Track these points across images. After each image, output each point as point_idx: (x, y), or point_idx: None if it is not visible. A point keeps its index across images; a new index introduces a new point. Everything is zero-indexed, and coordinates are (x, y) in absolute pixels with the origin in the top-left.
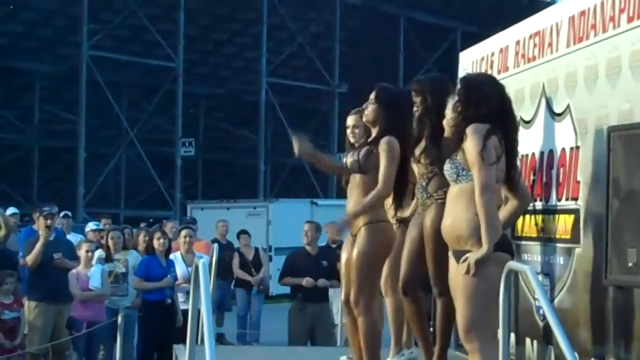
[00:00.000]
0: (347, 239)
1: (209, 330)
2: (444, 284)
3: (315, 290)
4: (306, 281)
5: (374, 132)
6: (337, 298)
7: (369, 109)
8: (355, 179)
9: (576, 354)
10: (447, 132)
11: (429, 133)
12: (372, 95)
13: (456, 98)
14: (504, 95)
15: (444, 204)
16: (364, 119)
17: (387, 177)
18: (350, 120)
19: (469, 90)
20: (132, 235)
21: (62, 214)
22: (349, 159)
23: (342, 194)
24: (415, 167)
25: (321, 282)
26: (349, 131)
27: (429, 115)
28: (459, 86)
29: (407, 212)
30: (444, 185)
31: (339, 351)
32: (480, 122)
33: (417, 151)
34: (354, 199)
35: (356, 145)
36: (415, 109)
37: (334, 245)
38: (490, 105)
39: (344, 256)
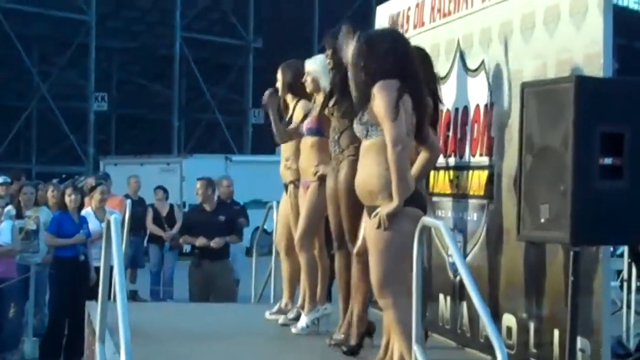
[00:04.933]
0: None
1: (120, 286)
2: (350, 237)
3: (210, 248)
4: (199, 241)
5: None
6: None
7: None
8: (312, 140)
9: (488, 309)
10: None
11: (337, 85)
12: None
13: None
14: (406, 48)
15: (355, 160)
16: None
17: None
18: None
19: (369, 46)
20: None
21: None
22: (358, 128)
23: (256, 150)
24: (332, 121)
25: (215, 242)
26: (309, 79)
27: (338, 68)
28: (358, 42)
29: (327, 169)
30: (355, 140)
31: (257, 308)
32: (385, 78)
33: (330, 104)
34: (313, 158)
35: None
36: (327, 62)
37: (228, 201)
38: (391, 59)
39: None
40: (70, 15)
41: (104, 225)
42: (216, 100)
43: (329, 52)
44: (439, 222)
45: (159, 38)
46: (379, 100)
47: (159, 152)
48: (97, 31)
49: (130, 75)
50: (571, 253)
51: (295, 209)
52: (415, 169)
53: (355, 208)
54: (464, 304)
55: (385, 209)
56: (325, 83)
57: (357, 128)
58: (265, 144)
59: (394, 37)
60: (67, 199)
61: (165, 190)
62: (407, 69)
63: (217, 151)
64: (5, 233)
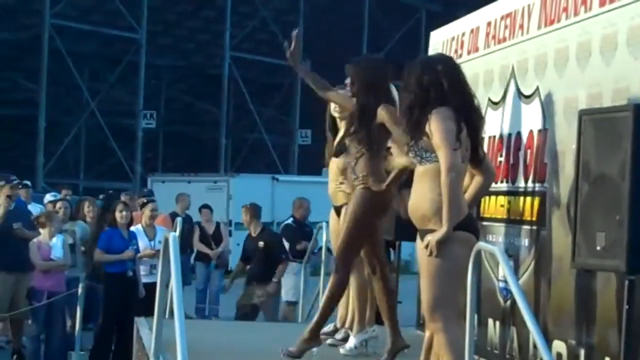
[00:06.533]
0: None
1: (178, 304)
2: (374, 262)
3: (259, 271)
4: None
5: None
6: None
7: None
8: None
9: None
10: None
11: (355, 113)
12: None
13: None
14: (457, 75)
15: (365, 189)
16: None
17: None
18: None
19: (421, 74)
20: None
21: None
22: (411, 155)
23: (302, 171)
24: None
25: (258, 297)
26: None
27: (356, 95)
28: (410, 70)
29: (382, 186)
30: (369, 168)
31: (302, 328)
32: (436, 105)
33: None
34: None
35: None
36: (347, 89)
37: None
38: (443, 86)
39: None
40: (120, 33)
41: (152, 242)
42: (263, 120)
43: (347, 81)
44: (495, 247)
45: (208, 57)
46: (435, 127)
47: (204, 170)
48: (147, 49)
49: (179, 94)
50: (626, 281)
51: None
52: (469, 193)
53: (363, 235)
54: (514, 330)
55: (434, 236)
56: None
57: (411, 155)
58: (311, 164)
59: (444, 64)
60: (117, 215)
61: (210, 209)
62: (459, 95)
63: (263, 171)
64: (57, 248)
